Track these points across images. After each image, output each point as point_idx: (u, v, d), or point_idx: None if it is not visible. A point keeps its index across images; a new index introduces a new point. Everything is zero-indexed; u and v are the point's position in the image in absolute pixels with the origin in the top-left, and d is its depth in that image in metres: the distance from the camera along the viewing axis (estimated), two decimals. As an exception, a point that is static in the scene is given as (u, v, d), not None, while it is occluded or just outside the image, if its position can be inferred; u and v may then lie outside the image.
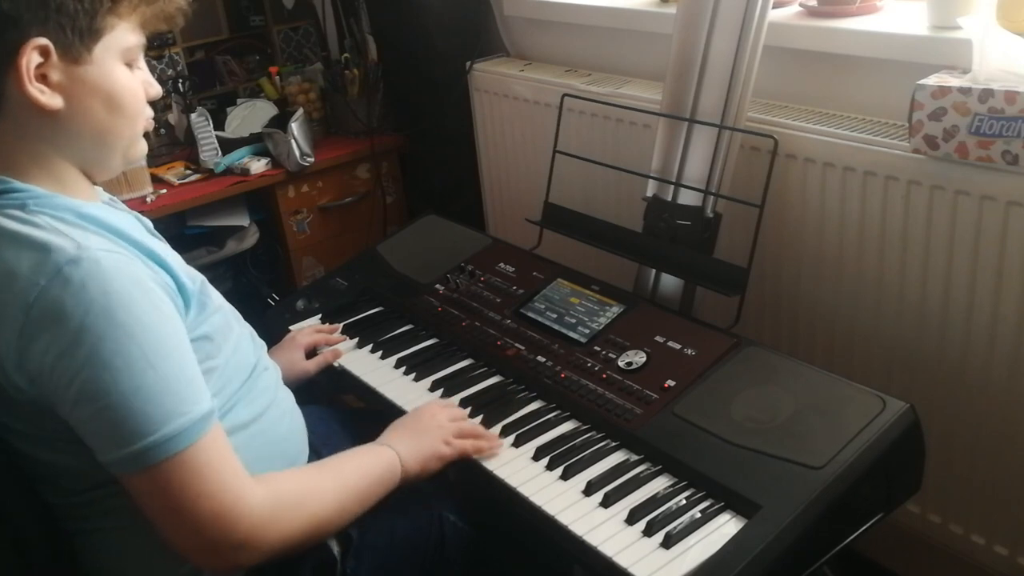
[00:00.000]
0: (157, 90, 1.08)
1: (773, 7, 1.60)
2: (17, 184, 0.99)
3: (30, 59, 0.94)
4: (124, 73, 1.02)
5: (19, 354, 0.93)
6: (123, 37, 1.01)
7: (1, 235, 0.95)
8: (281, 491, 1.04)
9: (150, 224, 1.14)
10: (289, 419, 1.23)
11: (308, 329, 1.61)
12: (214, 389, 1.02)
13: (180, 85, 2.43)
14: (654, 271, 1.68)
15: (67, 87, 0.97)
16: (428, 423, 1.25)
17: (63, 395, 0.93)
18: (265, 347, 1.25)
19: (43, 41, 0.94)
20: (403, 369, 1.47)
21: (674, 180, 1.64)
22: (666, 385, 1.29)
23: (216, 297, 1.13)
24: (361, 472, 1.14)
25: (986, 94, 1.32)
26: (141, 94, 1.05)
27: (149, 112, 1.08)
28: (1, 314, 0.93)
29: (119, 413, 0.92)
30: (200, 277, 1.10)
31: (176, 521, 0.97)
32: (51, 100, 0.97)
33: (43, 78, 0.96)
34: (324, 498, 1.08)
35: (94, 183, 1.09)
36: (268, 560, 1.02)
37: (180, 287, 1.04)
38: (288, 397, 1.25)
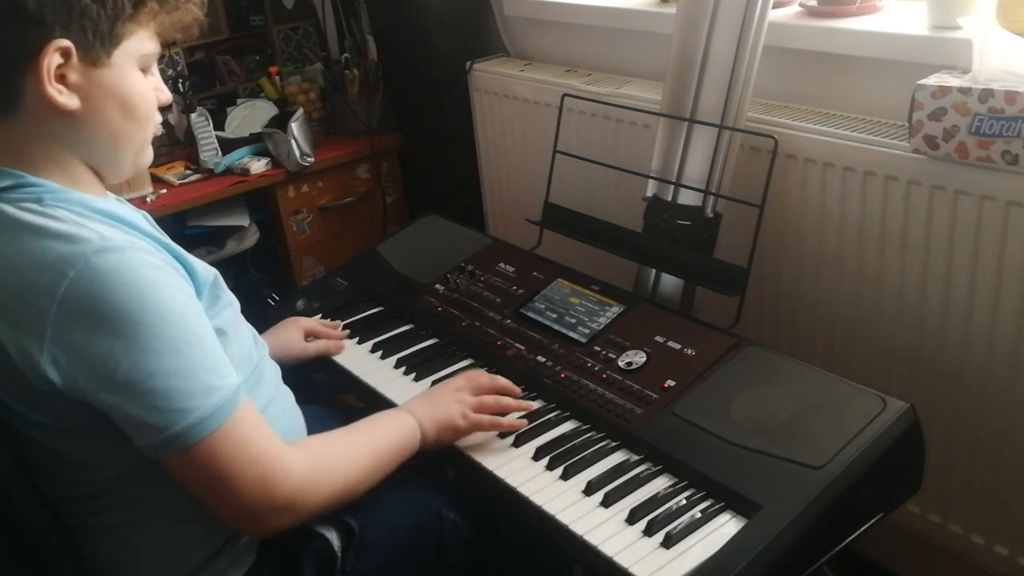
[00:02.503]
0: (168, 96, 1.10)
1: (773, 7, 1.60)
2: (31, 179, 1.00)
3: (51, 60, 0.95)
4: (139, 78, 1.04)
5: (53, 347, 0.93)
6: (141, 44, 1.02)
7: (21, 227, 0.96)
8: (318, 454, 1.09)
9: (154, 223, 1.15)
10: (289, 418, 1.23)
11: (312, 319, 1.61)
12: None
13: (180, 85, 2.43)
14: (654, 271, 1.68)
15: (85, 89, 0.99)
16: (449, 395, 1.27)
17: (102, 384, 0.94)
18: (266, 347, 1.25)
19: (65, 43, 0.96)
20: (403, 369, 1.47)
21: (674, 180, 1.64)
22: (666, 385, 1.29)
23: (227, 292, 1.15)
24: (387, 436, 1.18)
25: (986, 94, 1.32)
26: (154, 100, 1.07)
27: (158, 118, 1.10)
28: (27, 306, 0.94)
29: (162, 394, 0.95)
30: (214, 271, 1.12)
31: (223, 493, 1.00)
32: (68, 100, 0.98)
33: (62, 78, 0.97)
34: (357, 460, 1.13)
35: (104, 184, 1.10)
36: (314, 516, 1.08)
37: (193, 277, 1.06)
38: (288, 395, 1.26)
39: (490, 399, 1.28)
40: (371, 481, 1.13)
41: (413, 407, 1.24)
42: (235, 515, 1.03)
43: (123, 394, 0.94)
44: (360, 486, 1.12)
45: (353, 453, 1.13)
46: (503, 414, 1.28)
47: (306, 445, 1.10)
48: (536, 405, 1.33)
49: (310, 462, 1.06)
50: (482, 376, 1.32)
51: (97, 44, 0.98)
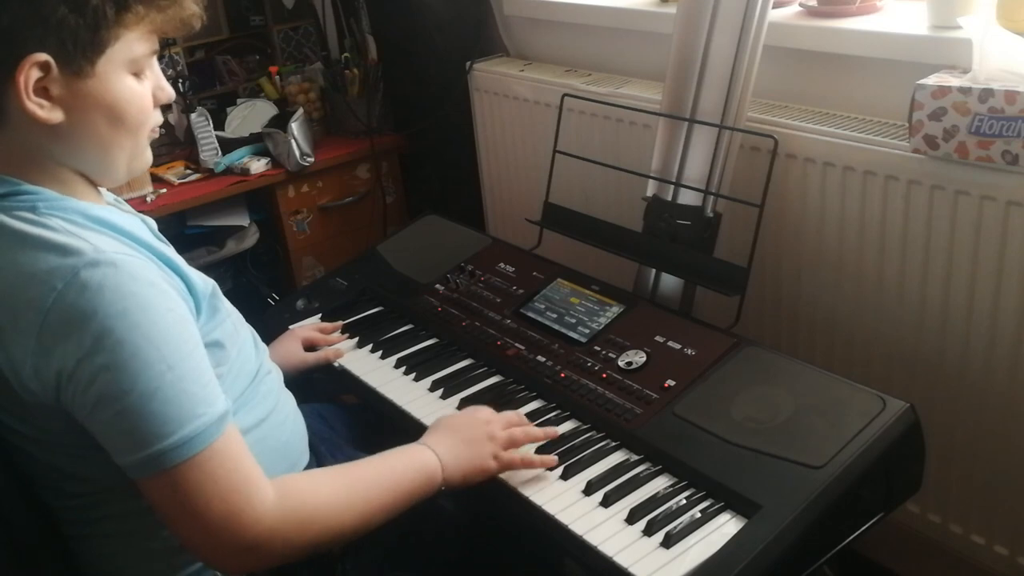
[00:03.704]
0: (169, 94, 1.05)
1: (773, 7, 1.60)
2: (26, 186, 0.98)
3: (28, 75, 0.92)
4: (129, 85, 1.00)
5: (36, 359, 0.92)
6: (129, 48, 0.98)
7: (13, 237, 0.95)
8: (297, 497, 1.03)
9: (155, 226, 1.13)
10: (291, 424, 1.22)
11: (309, 326, 1.61)
12: None
13: (180, 85, 2.43)
14: (654, 271, 1.68)
15: (68, 101, 0.96)
16: (480, 432, 1.19)
17: (81, 399, 0.92)
18: (267, 351, 1.24)
19: (43, 57, 0.92)
20: (403, 369, 1.47)
21: (674, 180, 1.64)
22: (666, 385, 1.29)
23: (226, 303, 1.13)
24: (393, 479, 1.10)
25: (986, 94, 1.32)
26: (146, 103, 1.02)
27: (158, 119, 1.06)
28: (16, 318, 0.92)
29: (137, 416, 0.92)
30: (212, 282, 1.09)
31: (190, 523, 0.97)
32: (51, 114, 0.95)
33: (44, 91, 0.94)
34: (345, 505, 1.05)
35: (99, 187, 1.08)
36: (281, 563, 1.02)
37: (192, 290, 1.03)
38: (289, 400, 1.24)
39: (519, 431, 1.22)
40: (364, 528, 1.07)
41: (440, 447, 1.15)
42: (197, 548, 0.98)
43: (98, 412, 0.92)
44: (348, 532, 1.06)
45: (343, 498, 1.06)
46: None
47: (289, 487, 1.03)
48: (561, 430, 1.28)
49: (287, 506, 1.00)
50: (510, 413, 1.26)
51: (78, 55, 0.94)
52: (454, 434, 1.19)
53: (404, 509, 1.10)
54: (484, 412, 1.25)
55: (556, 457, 1.22)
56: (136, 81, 1.01)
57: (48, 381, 0.93)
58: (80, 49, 0.94)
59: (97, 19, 0.94)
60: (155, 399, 0.92)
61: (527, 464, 1.20)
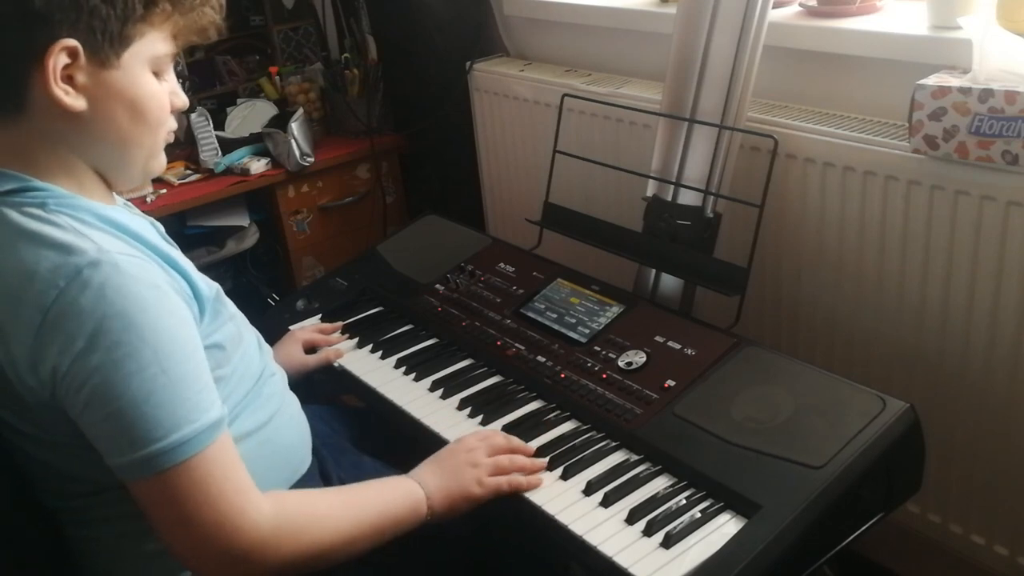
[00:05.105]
0: (184, 101, 1.07)
1: (773, 7, 1.60)
2: (37, 183, 0.98)
3: (57, 60, 0.93)
4: (151, 81, 1.02)
5: (34, 355, 0.92)
6: (153, 45, 1.00)
7: (20, 234, 0.95)
8: (289, 510, 1.02)
9: (163, 229, 1.13)
10: (295, 426, 1.22)
11: (309, 328, 1.61)
12: (221, 397, 1.01)
13: (180, 85, 2.43)
14: (654, 271, 1.68)
15: (92, 90, 0.97)
16: (463, 460, 1.19)
17: (75, 398, 0.92)
18: (271, 352, 1.24)
19: (72, 42, 0.93)
20: (403, 369, 1.47)
21: (674, 180, 1.64)
22: (666, 385, 1.29)
23: (230, 306, 1.13)
24: (381, 504, 1.11)
25: (986, 94, 1.32)
26: (166, 104, 1.04)
27: (173, 124, 1.07)
28: (17, 314, 0.93)
29: (129, 417, 0.92)
30: (216, 286, 1.10)
31: (178, 530, 0.96)
32: (75, 102, 0.96)
33: (69, 79, 0.95)
34: (334, 524, 1.05)
35: (114, 191, 1.08)
36: None
37: (196, 293, 1.03)
38: (294, 402, 1.24)
39: (504, 459, 1.21)
40: (353, 549, 1.06)
41: (424, 476, 1.16)
42: (186, 556, 0.97)
43: (90, 411, 0.92)
44: (337, 552, 1.05)
45: (333, 518, 1.05)
46: None
47: (281, 499, 1.03)
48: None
49: (279, 518, 0.99)
50: (496, 436, 1.25)
51: (106, 45, 0.96)
52: (438, 466, 1.19)
53: (390, 536, 1.10)
54: (469, 441, 1.23)
55: (542, 478, 1.20)
56: (156, 80, 1.03)
57: (44, 377, 0.93)
58: (108, 39, 0.96)
59: (127, 11, 0.96)
60: (148, 402, 0.92)
61: (515, 487, 1.18)
